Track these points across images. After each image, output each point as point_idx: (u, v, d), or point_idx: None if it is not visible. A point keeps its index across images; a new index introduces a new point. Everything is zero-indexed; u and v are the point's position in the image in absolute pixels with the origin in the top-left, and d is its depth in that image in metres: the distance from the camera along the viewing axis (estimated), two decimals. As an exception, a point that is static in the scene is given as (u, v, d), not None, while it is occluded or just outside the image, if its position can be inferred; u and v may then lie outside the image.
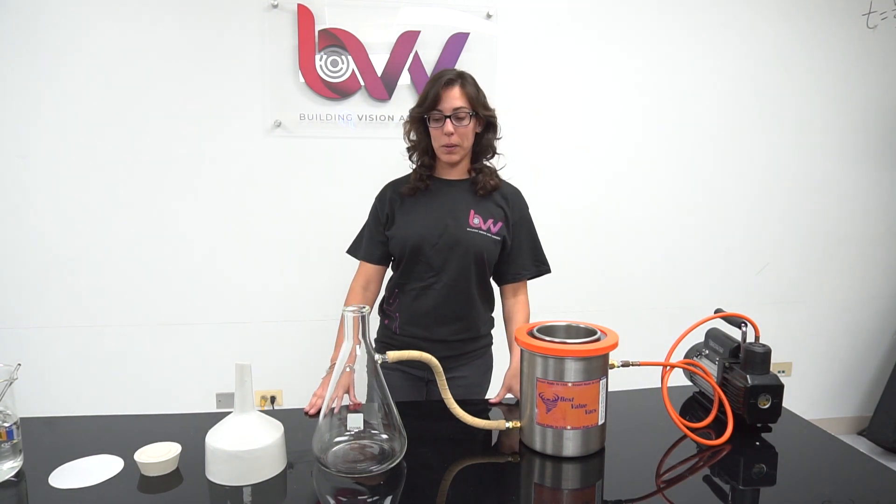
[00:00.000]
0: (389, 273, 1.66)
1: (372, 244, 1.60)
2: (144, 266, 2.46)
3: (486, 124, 1.54)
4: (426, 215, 1.53)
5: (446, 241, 1.50)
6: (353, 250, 1.67)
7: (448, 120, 1.45)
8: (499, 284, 1.64)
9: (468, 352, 1.60)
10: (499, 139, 1.58)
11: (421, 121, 1.51)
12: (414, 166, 1.59)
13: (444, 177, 1.58)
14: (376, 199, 1.62)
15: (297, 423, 1.27)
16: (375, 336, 1.67)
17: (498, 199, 1.56)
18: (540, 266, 1.63)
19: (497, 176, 1.59)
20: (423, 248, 1.50)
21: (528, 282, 1.63)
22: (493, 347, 1.69)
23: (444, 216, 1.52)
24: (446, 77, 1.47)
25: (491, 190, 1.54)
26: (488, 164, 1.59)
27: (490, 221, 1.53)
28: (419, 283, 1.53)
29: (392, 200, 1.57)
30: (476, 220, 1.52)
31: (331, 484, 1.01)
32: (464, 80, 1.49)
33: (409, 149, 1.59)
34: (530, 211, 1.61)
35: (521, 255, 1.59)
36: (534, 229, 1.63)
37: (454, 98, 1.45)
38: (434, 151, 1.53)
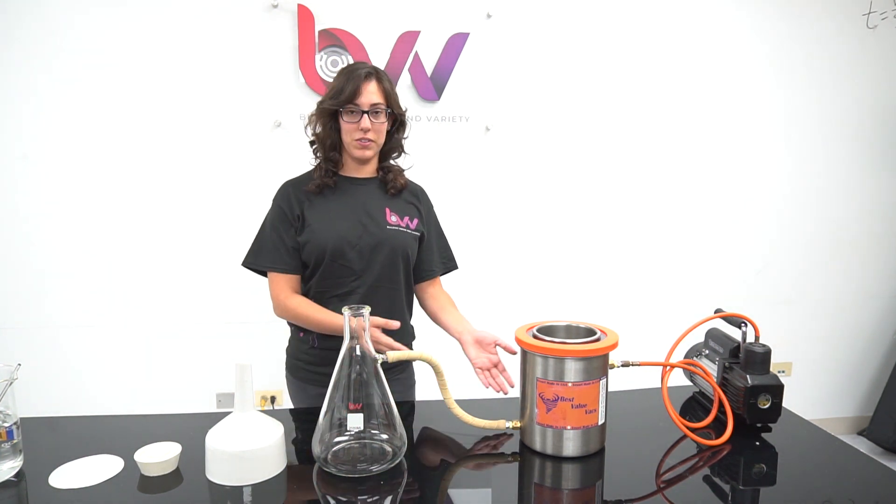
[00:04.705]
0: None
1: (283, 251, 1.45)
2: (144, 266, 2.46)
3: (399, 123, 1.50)
4: (340, 215, 1.44)
5: (367, 241, 1.43)
6: (255, 261, 1.49)
7: (365, 115, 1.38)
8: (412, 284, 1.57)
9: (392, 367, 1.36)
10: (405, 138, 1.54)
11: (332, 114, 1.42)
12: (316, 162, 1.50)
13: (351, 175, 1.50)
14: (278, 200, 1.48)
15: (297, 423, 1.27)
16: (287, 351, 1.56)
17: (408, 197, 1.53)
18: (448, 263, 1.61)
19: (404, 175, 1.55)
20: (344, 250, 1.41)
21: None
22: (413, 363, 1.59)
23: (360, 215, 1.45)
24: (364, 71, 1.40)
25: (400, 189, 1.51)
26: (395, 163, 1.55)
27: (406, 218, 1.49)
28: (340, 289, 1.44)
29: (299, 201, 1.45)
30: (393, 218, 1.47)
31: (331, 484, 1.01)
32: (380, 75, 1.43)
33: (312, 142, 1.50)
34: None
35: (432, 253, 1.56)
36: (440, 226, 1.61)
37: (372, 93, 1.39)
38: (341, 147, 1.46)
